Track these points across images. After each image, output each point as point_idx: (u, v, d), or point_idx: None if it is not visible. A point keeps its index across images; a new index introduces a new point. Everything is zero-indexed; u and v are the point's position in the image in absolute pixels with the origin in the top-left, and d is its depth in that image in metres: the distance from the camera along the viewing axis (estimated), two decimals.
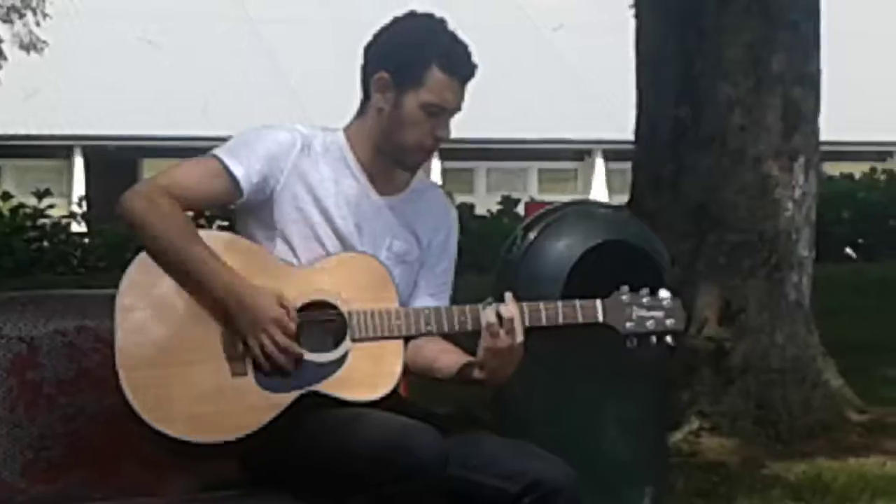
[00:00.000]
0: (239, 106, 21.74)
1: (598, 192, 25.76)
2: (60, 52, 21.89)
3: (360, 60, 3.44)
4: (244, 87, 24.35)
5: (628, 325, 3.35)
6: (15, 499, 3.36)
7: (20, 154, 24.20)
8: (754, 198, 6.68)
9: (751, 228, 6.66)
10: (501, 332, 3.22)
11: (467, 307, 3.30)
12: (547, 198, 18.85)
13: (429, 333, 3.32)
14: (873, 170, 17.11)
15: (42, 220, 14.98)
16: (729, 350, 6.56)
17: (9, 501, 3.35)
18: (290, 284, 3.27)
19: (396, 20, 3.43)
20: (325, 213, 3.37)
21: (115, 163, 23.17)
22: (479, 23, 16.76)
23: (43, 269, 14.32)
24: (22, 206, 15.11)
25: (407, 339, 3.32)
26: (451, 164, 24.40)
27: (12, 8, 19.33)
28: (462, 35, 3.42)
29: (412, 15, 3.43)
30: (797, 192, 6.72)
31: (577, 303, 3.34)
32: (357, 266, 3.34)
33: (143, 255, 3.27)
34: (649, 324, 3.35)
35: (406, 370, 3.35)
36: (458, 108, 3.40)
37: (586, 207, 5.31)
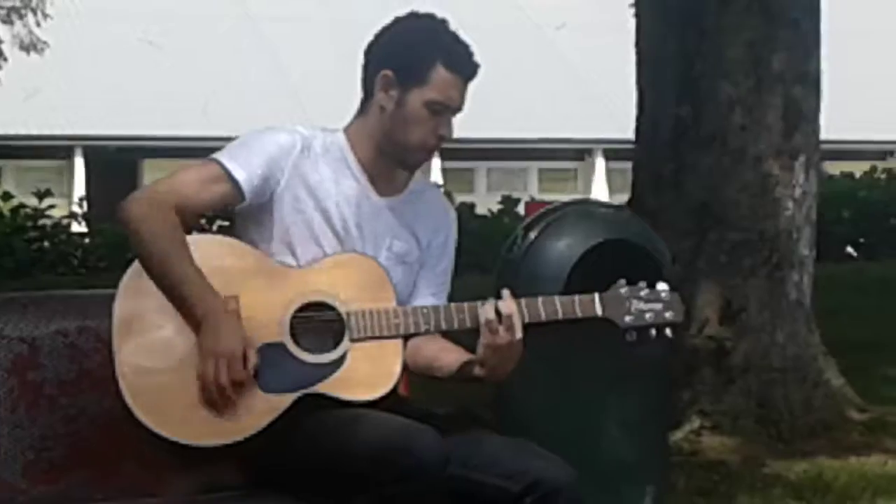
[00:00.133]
0: (239, 106, 21.77)
1: (599, 191, 25.77)
2: (61, 52, 21.89)
3: (361, 60, 3.44)
4: (245, 88, 24.36)
5: (627, 318, 3.35)
6: (16, 499, 3.36)
7: (21, 154, 24.21)
8: (755, 197, 6.67)
9: (751, 227, 6.66)
10: (500, 328, 3.23)
11: (466, 305, 3.30)
12: (547, 197, 18.84)
13: (427, 332, 3.32)
14: (874, 169, 17.10)
15: (42, 221, 14.98)
16: (730, 349, 6.56)
17: (10, 502, 3.35)
18: (288, 286, 3.28)
19: (398, 20, 3.44)
20: (325, 213, 3.37)
21: (115, 163, 23.19)
22: (480, 23, 16.77)
23: (43, 269, 14.32)
24: (22, 206, 15.11)
25: (406, 339, 3.33)
26: (451, 164, 24.41)
27: (13, 9, 19.34)
28: (463, 35, 3.43)
29: (414, 15, 3.44)
30: (798, 192, 6.72)
31: (576, 297, 3.34)
32: (354, 266, 3.34)
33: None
34: (648, 316, 3.35)
35: (406, 369, 3.35)
36: (461, 108, 3.41)
37: (587, 207, 5.31)
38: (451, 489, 3.14)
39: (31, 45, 19.53)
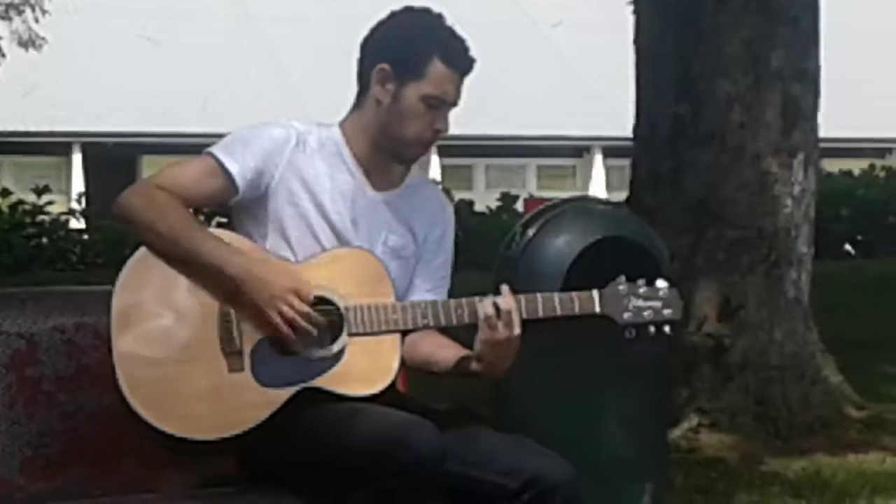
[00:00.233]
0: (238, 103, 21.74)
1: (597, 188, 25.77)
2: (59, 48, 21.88)
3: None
4: (244, 85, 24.35)
5: (626, 315, 3.35)
6: (13, 496, 3.36)
7: (19, 150, 24.20)
8: (753, 194, 6.67)
9: (750, 225, 6.66)
10: (499, 324, 3.23)
11: (464, 300, 3.30)
12: (546, 194, 18.85)
13: (426, 327, 3.33)
14: (872, 166, 17.10)
15: (41, 217, 14.96)
16: (728, 346, 6.56)
17: (7, 498, 3.35)
18: None
19: (394, 14, 3.45)
20: (320, 208, 3.38)
21: (114, 159, 23.16)
22: (478, 19, 16.77)
23: (42, 265, 14.30)
24: (21, 202, 15.09)
25: (404, 334, 3.33)
26: (449, 161, 24.41)
27: (11, 5, 19.33)
28: (460, 30, 3.43)
29: (410, 9, 3.45)
30: (796, 189, 6.72)
31: (574, 294, 3.34)
32: (353, 261, 3.34)
33: (137, 255, 3.28)
34: (647, 314, 3.36)
35: (403, 365, 3.35)
36: (457, 103, 3.41)
37: (585, 204, 5.30)
38: (448, 486, 3.15)
39: (29, 42, 19.53)
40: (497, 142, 25.44)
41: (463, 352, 3.34)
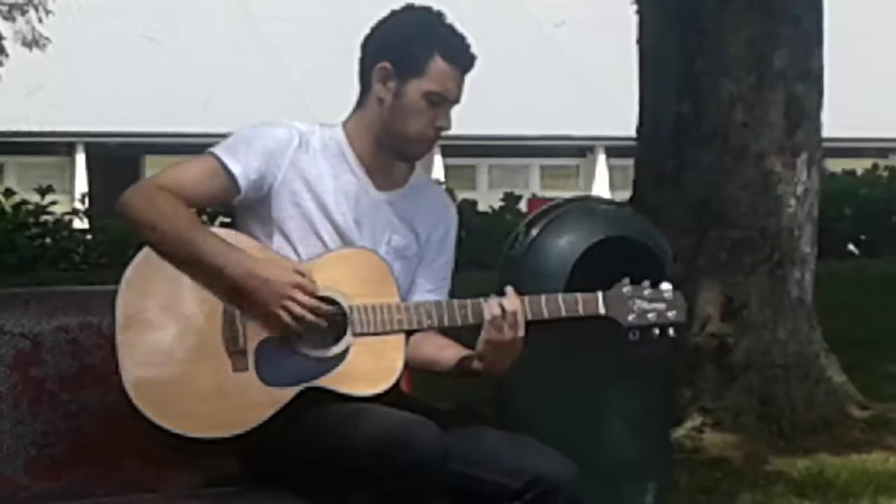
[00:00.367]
0: (241, 103, 21.72)
1: (601, 188, 25.76)
2: (63, 48, 21.87)
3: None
4: (246, 85, 24.35)
5: (630, 317, 3.35)
6: (18, 495, 3.36)
7: (22, 151, 24.21)
8: (756, 194, 6.67)
9: (753, 225, 6.65)
10: (504, 325, 3.23)
11: (469, 301, 3.30)
12: (549, 194, 18.86)
13: (430, 327, 3.33)
14: (875, 166, 17.07)
15: (44, 217, 14.97)
16: (731, 346, 6.56)
17: (11, 498, 3.35)
18: None
19: (395, 13, 3.45)
20: (323, 208, 3.38)
21: (117, 159, 23.17)
22: (481, 19, 16.78)
23: (45, 265, 14.31)
24: (24, 202, 15.10)
25: (408, 334, 3.33)
26: (452, 161, 24.40)
27: (14, 5, 19.33)
28: (461, 29, 3.44)
29: (410, 7, 3.46)
30: (799, 189, 6.72)
31: (579, 296, 3.34)
32: (357, 261, 3.34)
33: (141, 254, 3.28)
34: (651, 316, 3.36)
35: (406, 365, 3.35)
36: (458, 100, 3.42)
37: (588, 204, 5.30)
38: (451, 485, 3.15)
39: (32, 42, 19.52)
40: (500, 142, 25.44)
41: (464, 352, 3.34)
